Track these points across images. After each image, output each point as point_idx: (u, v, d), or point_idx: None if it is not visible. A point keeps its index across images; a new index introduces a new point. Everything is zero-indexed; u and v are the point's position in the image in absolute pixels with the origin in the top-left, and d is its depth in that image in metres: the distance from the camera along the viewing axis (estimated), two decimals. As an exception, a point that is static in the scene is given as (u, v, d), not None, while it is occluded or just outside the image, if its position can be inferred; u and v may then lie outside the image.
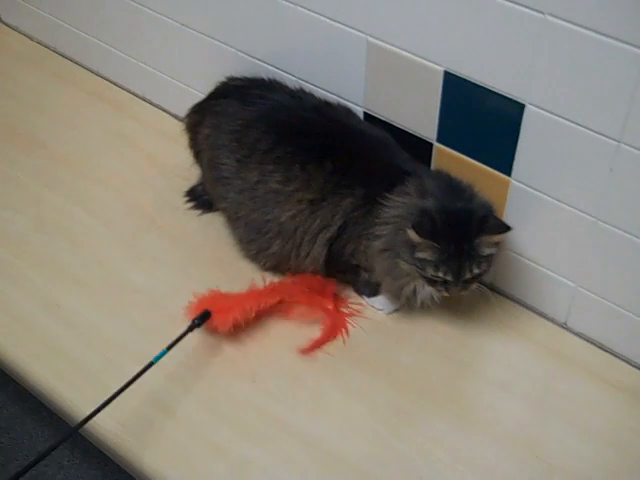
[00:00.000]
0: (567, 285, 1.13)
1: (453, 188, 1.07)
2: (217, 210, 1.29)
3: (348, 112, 1.17)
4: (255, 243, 1.19)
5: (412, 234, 1.02)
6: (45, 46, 1.66)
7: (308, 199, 1.10)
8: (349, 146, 1.11)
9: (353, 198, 1.10)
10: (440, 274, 1.04)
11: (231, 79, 1.24)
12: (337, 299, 1.18)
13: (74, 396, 1.09)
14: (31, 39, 1.68)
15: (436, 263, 1.04)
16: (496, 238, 1.05)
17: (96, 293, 1.22)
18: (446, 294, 1.08)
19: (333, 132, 1.12)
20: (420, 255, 1.04)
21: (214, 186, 1.21)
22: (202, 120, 1.21)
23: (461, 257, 1.04)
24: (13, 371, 1.15)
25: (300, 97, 1.17)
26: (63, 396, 1.10)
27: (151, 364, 1.05)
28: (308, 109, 1.15)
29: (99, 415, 1.03)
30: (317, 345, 1.14)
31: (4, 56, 1.65)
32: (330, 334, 1.15)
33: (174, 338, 1.08)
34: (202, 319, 1.11)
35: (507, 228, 1.05)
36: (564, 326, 1.17)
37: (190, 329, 1.10)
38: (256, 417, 1.07)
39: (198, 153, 1.26)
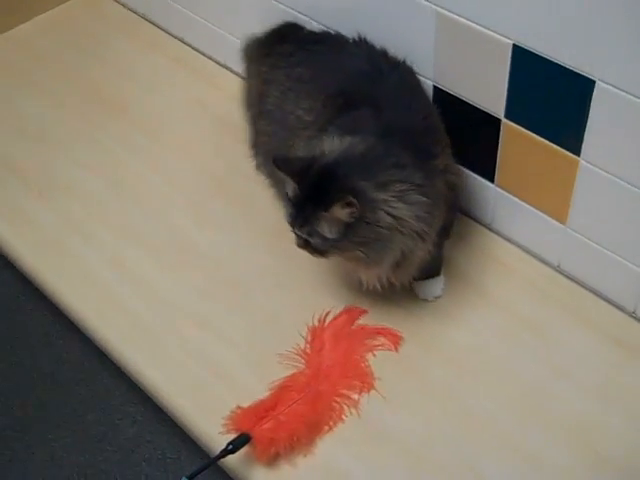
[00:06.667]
0: (636, 272, 1.08)
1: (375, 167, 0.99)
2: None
3: (404, 71, 1.14)
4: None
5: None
6: (134, 12, 1.70)
7: (315, 130, 1.09)
8: (369, 100, 1.07)
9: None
10: (286, 213, 1.01)
11: (298, 27, 1.27)
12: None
13: (133, 352, 1.14)
14: (124, 6, 1.72)
15: (288, 198, 1.01)
16: (338, 213, 0.96)
17: (161, 255, 1.25)
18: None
19: (366, 83, 1.09)
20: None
21: (258, 121, 1.23)
22: (263, 60, 1.24)
23: (301, 210, 0.99)
24: (80, 324, 1.21)
25: (359, 46, 1.16)
26: (123, 353, 1.15)
27: None
28: (360, 56, 1.13)
29: (155, 374, 1.10)
30: None
31: (94, 22, 1.69)
32: None
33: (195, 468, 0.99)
34: (238, 445, 0.99)
35: (342, 199, 0.95)
36: (632, 315, 1.13)
37: (223, 455, 0.98)
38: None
39: (249, 89, 1.28)
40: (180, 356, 1.12)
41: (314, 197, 0.98)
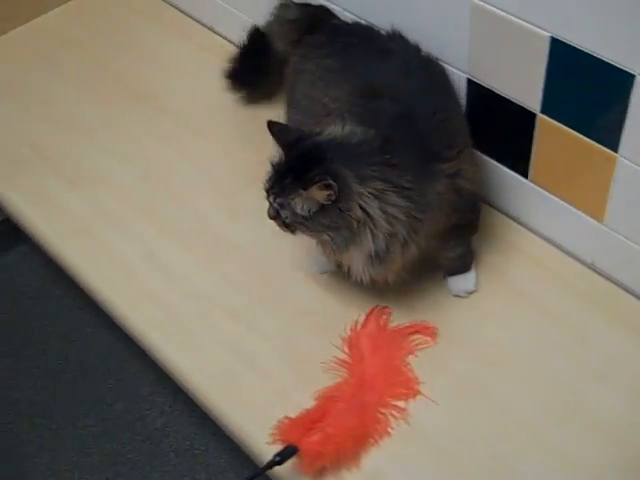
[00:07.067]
0: (675, 272, 1.06)
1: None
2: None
3: (434, 70, 1.12)
4: None
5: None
6: (164, 0, 1.68)
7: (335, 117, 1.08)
8: (392, 95, 1.05)
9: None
10: (265, 179, 1.01)
11: (330, 14, 1.25)
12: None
13: (165, 343, 1.13)
14: (151, -7, 1.71)
15: (272, 164, 1.01)
16: (316, 194, 0.96)
17: (193, 245, 1.25)
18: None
19: (393, 79, 1.07)
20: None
21: (287, 110, 1.22)
22: (292, 47, 1.23)
23: (280, 180, 1.00)
24: (112, 314, 1.21)
25: (393, 40, 1.14)
26: (155, 343, 1.14)
27: None
28: (392, 50, 1.11)
29: (188, 364, 1.09)
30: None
31: (123, 9, 1.68)
32: None
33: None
34: (285, 457, 0.97)
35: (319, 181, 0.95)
36: (671, 315, 1.10)
37: (269, 466, 0.98)
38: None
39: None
40: (212, 347, 1.12)
41: (296, 171, 0.98)
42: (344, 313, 1.13)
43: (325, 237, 1.00)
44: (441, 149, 1.03)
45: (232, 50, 1.54)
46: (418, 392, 1.05)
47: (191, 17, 1.63)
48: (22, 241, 1.87)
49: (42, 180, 1.36)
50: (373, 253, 1.00)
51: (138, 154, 1.39)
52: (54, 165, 1.39)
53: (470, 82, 1.14)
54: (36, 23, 1.66)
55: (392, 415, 1.03)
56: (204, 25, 1.61)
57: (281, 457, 0.97)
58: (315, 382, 1.06)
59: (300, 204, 0.98)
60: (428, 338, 1.10)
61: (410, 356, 1.08)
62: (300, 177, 0.97)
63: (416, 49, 1.12)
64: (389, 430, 1.02)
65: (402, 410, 1.03)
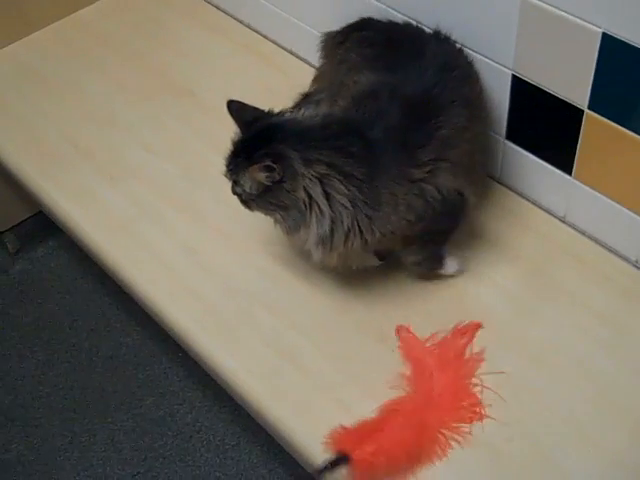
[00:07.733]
0: None
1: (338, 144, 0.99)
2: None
3: (461, 77, 1.10)
4: None
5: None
6: (200, -3, 1.69)
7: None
8: (398, 92, 1.05)
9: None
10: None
11: (375, 20, 1.25)
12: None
13: (206, 339, 1.13)
14: (187, -10, 1.71)
15: (231, 141, 1.04)
16: (256, 175, 0.99)
17: (233, 242, 1.24)
18: None
19: (412, 76, 1.07)
20: None
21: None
22: (339, 46, 1.23)
23: (235, 157, 1.03)
24: (151, 310, 1.20)
25: (431, 40, 1.14)
26: (196, 338, 1.14)
27: None
28: (422, 50, 1.11)
29: (230, 361, 1.09)
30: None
31: (159, 5, 1.68)
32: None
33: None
34: (336, 464, 0.96)
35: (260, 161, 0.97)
36: None
37: (319, 472, 0.97)
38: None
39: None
40: (253, 343, 1.12)
41: (248, 149, 1.01)
42: (386, 309, 1.13)
43: (277, 216, 1.03)
44: (413, 154, 1.01)
45: (268, 46, 1.56)
46: (484, 416, 1.01)
47: (228, 14, 1.64)
48: (52, 235, 1.88)
49: (80, 175, 1.37)
50: (319, 236, 1.01)
51: (176, 150, 1.39)
52: (92, 160, 1.39)
53: (515, 78, 1.14)
54: (72, 19, 1.67)
55: (453, 438, 0.99)
56: (241, 22, 1.61)
57: (332, 465, 0.96)
58: (358, 379, 1.06)
59: (249, 183, 1.01)
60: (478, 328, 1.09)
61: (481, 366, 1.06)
62: (249, 157, 0.99)
63: (452, 53, 1.13)
64: (447, 452, 0.99)
65: (465, 433, 1.00)
